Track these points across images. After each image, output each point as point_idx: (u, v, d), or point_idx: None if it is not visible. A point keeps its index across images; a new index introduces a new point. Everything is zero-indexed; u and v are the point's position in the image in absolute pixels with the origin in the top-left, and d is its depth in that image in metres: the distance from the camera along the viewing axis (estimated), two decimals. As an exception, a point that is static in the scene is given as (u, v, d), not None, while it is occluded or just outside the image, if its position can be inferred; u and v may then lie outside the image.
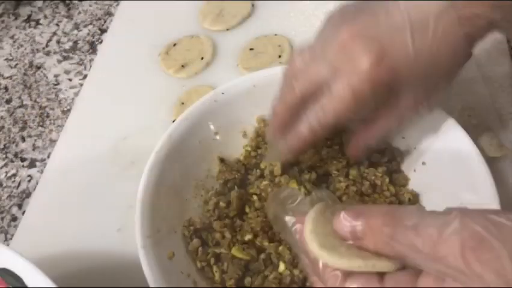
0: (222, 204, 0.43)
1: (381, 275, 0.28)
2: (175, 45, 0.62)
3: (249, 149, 0.47)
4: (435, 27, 0.35)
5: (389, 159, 0.45)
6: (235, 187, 0.45)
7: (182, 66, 0.60)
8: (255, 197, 0.44)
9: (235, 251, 0.41)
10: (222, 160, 0.46)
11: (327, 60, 0.37)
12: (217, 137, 0.47)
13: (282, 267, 0.40)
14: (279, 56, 0.58)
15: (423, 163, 0.44)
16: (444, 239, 0.24)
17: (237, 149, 0.48)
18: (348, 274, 0.29)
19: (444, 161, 0.42)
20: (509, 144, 0.47)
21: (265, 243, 0.41)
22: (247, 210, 0.43)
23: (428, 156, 0.43)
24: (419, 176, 0.44)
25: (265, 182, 0.44)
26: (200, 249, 0.41)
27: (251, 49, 0.60)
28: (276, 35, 0.61)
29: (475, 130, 0.46)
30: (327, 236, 0.30)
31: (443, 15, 0.35)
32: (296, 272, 0.39)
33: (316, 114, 0.38)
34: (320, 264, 0.30)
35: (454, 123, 0.42)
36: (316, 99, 0.38)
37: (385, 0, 0.37)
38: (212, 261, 0.41)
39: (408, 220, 0.26)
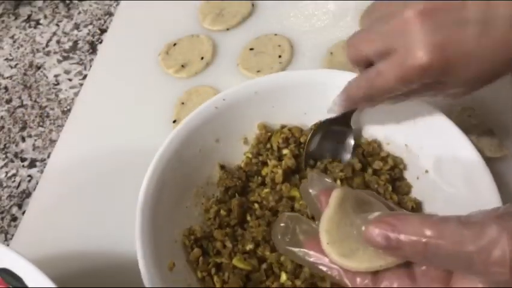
0: (222, 212, 0.43)
1: (412, 272, 0.28)
2: (175, 45, 0.62)
3: (250, 155, 0.47)
4: (498, 28, 0.33)
5: (391, 166, 0.44)
6: (236, 194, 0.44)
7: (182, 66, 0.60)
8: (256, 205, 0.43)
9: (236, 261, 0.40)
10: (222, 167, 0.46)
11: (383, 34, 0.35)
12: (218, 144, 0.46)
13: (283, 277, 0.39)
14: (279, 56, 0.58)
15: (427, 171, 0.43)
16: (492, 262, 0.25)
17: (238, 155, 0.47)
18: (377, 276, 0.29)
19: (447, 168, 0.41)
20: (509, 144, 0.47)
21: (267, 253, 0.40)
22: (248, 218, 0.43)
23: (431, 164, 0.43)
24: (422, 183, 0.44)
25: (266, 190, 0.44)
26: (201, 258, 0.41)
27: (251, 49, 0.60)
28: (276, 35, 0.61)
29: (475, 130, 0.46)
30: (344, 242, 0.30)
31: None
32: (298, 282, 0.38)
33: (366, 80, 0.38)
34: (343, 272, 0.30)
35: (457, 131, 0.41)
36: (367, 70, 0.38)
37: None
38: (213, 271, 0.40)
39: (448, 238, 0.26)
